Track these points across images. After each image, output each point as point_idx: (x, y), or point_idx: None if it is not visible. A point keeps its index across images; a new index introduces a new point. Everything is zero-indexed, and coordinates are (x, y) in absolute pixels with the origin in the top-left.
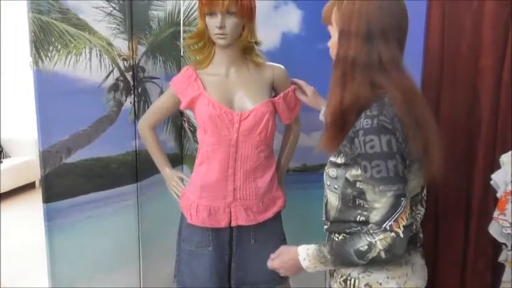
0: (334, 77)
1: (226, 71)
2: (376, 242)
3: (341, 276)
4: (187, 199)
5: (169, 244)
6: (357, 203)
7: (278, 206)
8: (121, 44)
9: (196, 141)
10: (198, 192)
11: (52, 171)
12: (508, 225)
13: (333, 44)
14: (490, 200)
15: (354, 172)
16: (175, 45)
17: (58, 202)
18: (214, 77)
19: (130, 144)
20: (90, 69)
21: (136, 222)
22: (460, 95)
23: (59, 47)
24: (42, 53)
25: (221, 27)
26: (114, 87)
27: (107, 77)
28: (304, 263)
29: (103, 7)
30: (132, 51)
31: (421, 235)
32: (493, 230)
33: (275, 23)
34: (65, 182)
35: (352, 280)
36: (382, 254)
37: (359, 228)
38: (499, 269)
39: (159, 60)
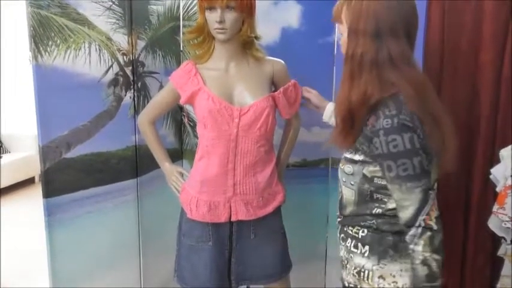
0: (343, 74)
1: (226, 66)
2: (422, 255)
3: (354, 268)
4: (187, 194)
5: (169, 239)
6: (374, 197)
7: (278, 201)
8: (120, 39)
9: (196, 136)
10: (198, 187)
11: (52, 166)
12: (508, 219)
13: (344, 41)
14: (489, 195)
15: (372, 168)
16: (174, 40)
17: (58, 197)
18: (214, 71)
19: (130, 139)
20: (89, 64)
21: (136, 217)
22: (460, 91)
23: (58, 41)
24: (41, 48)
25: (221, 21)
26: (114, 82)
27: (107, 71)
28: None
29: (102, 2)
30: (132, 45)
31: None
32: (493, 224)
33: (275, 18)
34: (64, 177)
35: (366, 272)
36: (435, 256)
37: (374, 221)
38: (497, 263)
39: (159, 55)
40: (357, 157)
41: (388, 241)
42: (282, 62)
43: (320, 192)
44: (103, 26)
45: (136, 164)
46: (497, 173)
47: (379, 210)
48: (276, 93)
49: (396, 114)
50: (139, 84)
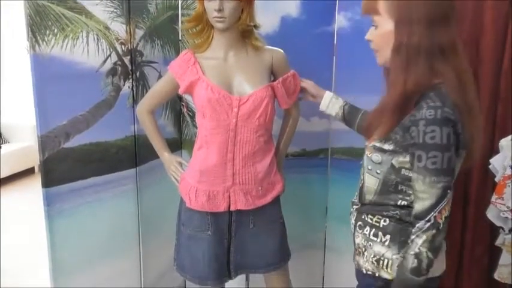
0: (395, 64)
1: (225, 55)
2: (419, 249)
3: (373, 256)
4: (186, 184)
5: (169, 228)
6: (399, 188)
7: (277, 191)
8: (118, 28)
9: (195, 126)
10: (197, 177)
11: (51, 156)
12: (506, 209)
13: (380, 34)
14: (488, 185)
15: (402, 159)
16: (173, 29)
17: (57, 187)
18: (212, 60)
19: (129, 129)
20: (87, 53)
21: (135, 207)
22: None
23: (56, 30)
24: (38, 37)
25: (219, 10)
26: (112, 72)
27: (105, 61)
28: None
29: None
30: (130, 35)
31: None
32: (491, 214)
33: (274, 7)
34: (64, 167)
35: (386, 261)
36: (430, 255)
37: (397, 212)
38: (495, 253)
39: (157, 44)
40: (387, 146)
41: (409, 232)
42: (282, 51)
43: (319, 182)
44: (101, 15)
45: (135, 153)
46: (496, 163)
47: (404, 202)
48: (275, 83)
49: (441, 107)
50: (137, 74)
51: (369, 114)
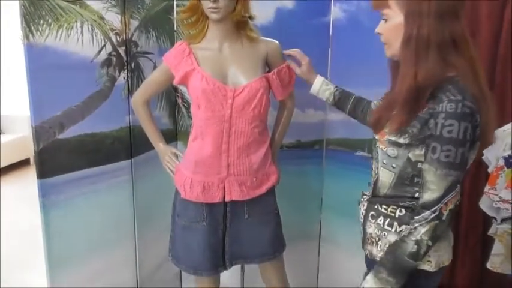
0: (405, 57)
1: (220, 46)
2: (421, 237)
3: (387, 245)
4: (181, 174)
5: (164, 219)
6: (415, 181)
7: (272, 182)
8: (113, 18)
9: (190, 117)
10: (192, 168)
11: (45, 147)
12: (498, 199)
13: (389, 27)
14: (481, 176)
15: (418, 152)
16: (168, 20)
17: (52, 178)
18: (207, 51)
19: (125, 120)
20: (82, 43)
21: (131, 198)
22: None
23: (50, 20)
24: (32, 27)
25: (214, 1)
26: (107, 62)
27: (99, 51)
28: None
29: None
30: (125, 25)
31: None
32: (484, 204)
33: None
34: (59, 157)
35: None
36: (430, 243)
37: (414, 202)
38: (488, 243)
39: (152, 34)
40: (402, 140)
41: None
42: (277, 42)
43: (314, 173)
44: (95, 5)
45: (130, 144)
46: (489, 154)
47: (420, 194)
48: (270, 74)
49: (461, 100)
50: (132, 65)
51: (376, 107)
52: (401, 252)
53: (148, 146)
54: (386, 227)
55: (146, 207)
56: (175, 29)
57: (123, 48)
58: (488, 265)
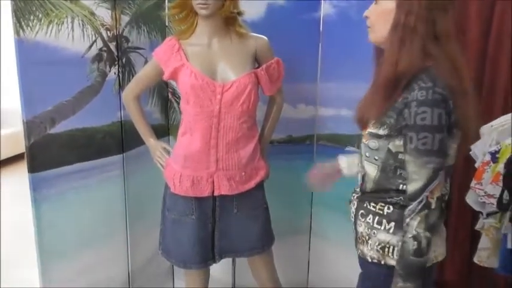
0: (390, 42)
1: (209, 42)
2: (416, 231)
3: (378, 244)
4: (171, 169)
5: (155, 213)
6: (398, 173)
7: (260, 176)
8: (104, 14)
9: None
10: (182, 162)
11: (37, 141)
12: (483, 194)
13: (378, 11)
14: (471, 171)
15: (398, 143)
16: (159, 15)
17: (44, 172)
18: (197, 47)
19: (116, 115)
20: (72, 38)
21: (122, 192)
22: None
23: (40, 16)
24: (23, 22)
25: None
26: (98, 58)
27: (90, 47)
28: None
29: None
30: (116, 20)
31: None
32: (470, 199)
33: None
34: (50, 152)
35: (391, 248)
36: (428, 234)
37: (400, 197)
38: (477, 238)
39: (144, 30)
40: (382, 132)
41: None
42: (265, 38)
43: (305, 168)
44: (86, 0)
45: (122, 139)
46: (476, 149)
47: (405, 187)
48: (258, 70)
49: (432, 87)
50: (123, 60)
51: (359, 102)
52: (405, 254)
53: (139, 141)
54: (375, 225)
55: (137, 202)
56: (167, 24)
57: (114, 43)
58: (475, 259)
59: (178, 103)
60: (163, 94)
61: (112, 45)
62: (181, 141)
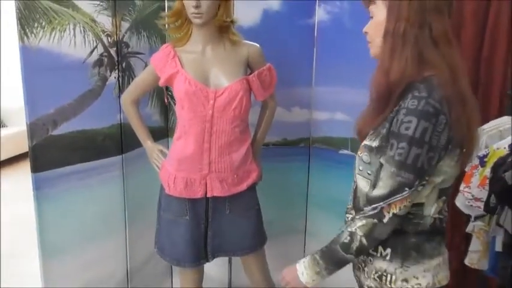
0: (382, 51)
1: (203, 49)
2: (355, 230)
3: (375, 273)
4: (166, 171)
5: (153, 213)
6: None
7: (252, 179)
8: (105, 20)
9: None
10: (176, 165)
11: (39, 142)
12: (471, 197)
13: (373, 25)
14: (461, 176)
15: None
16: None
17: (46, 172)
18: (191, 54)
19: (115, 118)
20: (74, 45)
21: (122, 192)
22: None
23: (44, 23)
24: (27, 30)
25: (197, 6)
26: (99, 63)
27: (91, 52)
28: (303, 278)
29: None
30: (116, 27)
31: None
32: (459, 202)
33: (256, 1)
34: (52, 153)
35: (389, 276)
36: (364, 241)
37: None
38: (470, 240)
39: (143, 35)
40: (375, 144)
41: (411, 242)
42: (258, 45)
43: (300, 170)
44: (87, 8)
45: (121, 141)
46: None
47: None
48: (250, 76)
49: (425, 97)
50: (123, 65)
51: (360, 114)
52: (335, 240)
53: (138, 143)
54: (371, 251)
55: (136, 201)
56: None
57: (114, 49)
58: (467, 261)
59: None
60: (163, 97)
61: (112, 51)
62: (176, 144)
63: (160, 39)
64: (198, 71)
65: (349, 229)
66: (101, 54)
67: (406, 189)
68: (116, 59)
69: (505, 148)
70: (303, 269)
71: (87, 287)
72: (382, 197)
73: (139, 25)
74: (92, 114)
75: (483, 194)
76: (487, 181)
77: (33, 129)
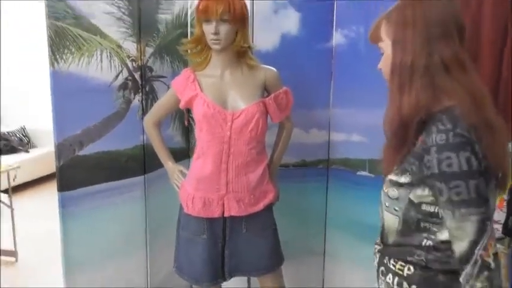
0: (391, 89)
1: (222, 73)
2: None
3: None
4: (185, 191)
5: (173, 232)
6: (422, 226)
7: (269, 199)
8: (130, 46)
9: None
10: (194, 185)
11: (66, 162)
12: None
13: (384, 61)
14: None
15: (420, 193)
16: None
17: (71, 191)
18: (210, 78)
19: (139, 139)
20: (101, 69)
21: (143, 212)
22: None
23: (73, 49)
24: (57, 55)
25: (215, 33)
26: (123, 86)
27: (117, 76)
28: None
29: (113, 12)
30: (140, 52)
31: None
32: None
33: (275, 25)
34: (77, 173)
35: None
36: None
37: (422, 257)
38: None
39: (167, 60)
40: (403, 180)
41: (439, 282)
42: (274, 69)
43: (318, 191)
44: (114, 34)
45: (144, 162)
46: None
47: (429, 243)
48: (266, 99)
49: (452, 129)
50: (147, 88)
51: (383, 147)
52: None
53: (160, 164)
54: (396, 286)
55: (157, 221)
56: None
57: (139, 73)
58: None
59: None
60: (184, 119)
61: (137, 75)
62: (195, 165)
63: (182, 63)
64: (217, 94)
65: None
66: (126, 78)
67: (487, 222)
68: (139, 82)
69: None
70: None
71: None
72: (471, 246)
73: (163, 50)
74: (116, 135)
75: (501, 217)
76: (505, 203)
77: (60, 149)
